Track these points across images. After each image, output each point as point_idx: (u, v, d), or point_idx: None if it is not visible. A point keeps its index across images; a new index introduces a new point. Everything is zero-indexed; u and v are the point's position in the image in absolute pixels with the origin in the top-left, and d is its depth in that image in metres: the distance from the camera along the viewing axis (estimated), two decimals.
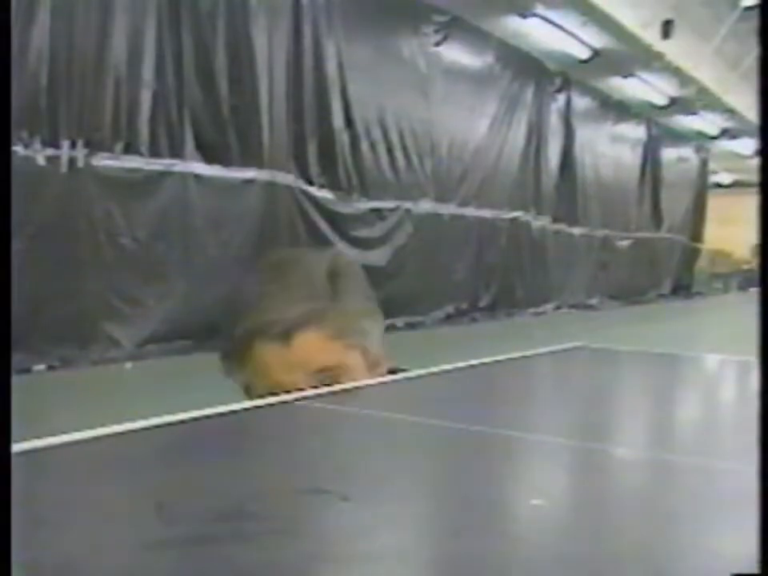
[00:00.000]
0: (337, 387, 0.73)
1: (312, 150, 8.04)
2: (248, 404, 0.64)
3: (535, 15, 10.06)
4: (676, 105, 14.66)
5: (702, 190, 19.83)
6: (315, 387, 0.77)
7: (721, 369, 1.25)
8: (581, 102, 13.67)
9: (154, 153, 6.51)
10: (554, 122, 12.92)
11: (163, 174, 6.58)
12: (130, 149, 6.29)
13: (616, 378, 1.09)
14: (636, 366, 1.20)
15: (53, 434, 0.53)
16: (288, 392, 0.75)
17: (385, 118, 8.91)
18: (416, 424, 0.64)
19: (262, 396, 0.79)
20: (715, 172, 21.95)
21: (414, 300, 9.16)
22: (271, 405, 0.65)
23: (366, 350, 0.97)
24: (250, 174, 7.32)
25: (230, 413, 0.64)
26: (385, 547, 0.38)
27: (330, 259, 1.01)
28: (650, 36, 11.20)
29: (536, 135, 12.34)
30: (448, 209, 10.12)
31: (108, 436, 0.54)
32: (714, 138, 17.96)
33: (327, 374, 0.91)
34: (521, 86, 11.72)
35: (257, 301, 0.95)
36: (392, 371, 0.99)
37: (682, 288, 18.98)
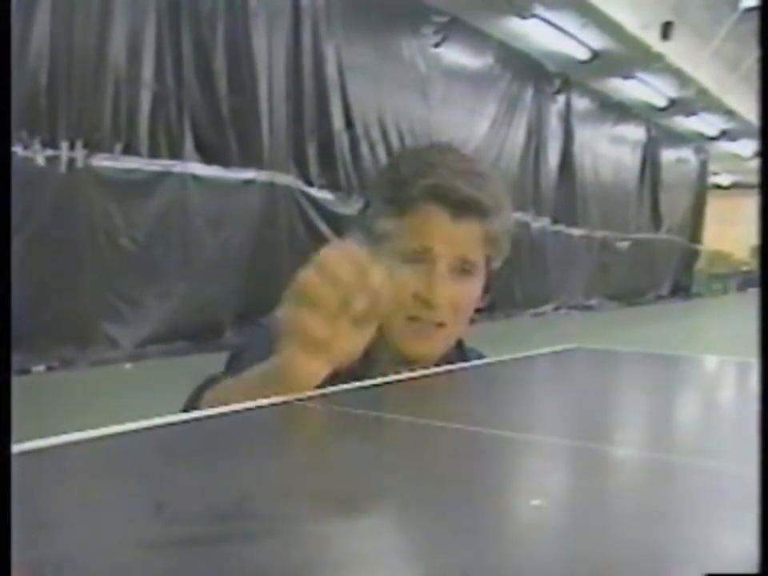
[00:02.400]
0: (333, 388, 0.73)
1: (311, 150, 8.04)
2: (249, 404, 0.64)
3: (535, 16, 10.07)
4: (676, 106, 14.67)
5: (701, 191, 19.84)
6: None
7: (719, 370, 1.25)
8: (580, 103, 13.67)
9: (154, 153, 6.51)
10: (554, 123, 12.93)
11: (163, 175, 6.59)
12: (129, 149, 6.30)
13: (613, 378, 1.09)
14: (633, 367, 1.20)
15: (53, 435, 0.53)
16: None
17: (384, 119, 8.91)
18: (411, 424, 0.64)
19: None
20: (715, 173, 21.96)
21: None
22: (274, 404, 0.65)
23: None
24: (249, 174, 7.32)
25: (231, 413, 0.64)
26: (381, 549, 0.38)
27: None
28: (650, 37, 11.21)
29: (535, 136, 12.35)
30: None
31: (107, 436, 0.54)
32: (713, 139, 17.97)
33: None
34: (520, 87, 11.73)
35: None
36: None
37: (681, 289, 18.98)
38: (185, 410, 0.94)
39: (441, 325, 1.05)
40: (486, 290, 1.13)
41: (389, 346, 1.05)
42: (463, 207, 1.03)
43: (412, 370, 1.04)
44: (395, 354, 1.06)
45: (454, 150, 1.11)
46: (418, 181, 1.03)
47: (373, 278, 0.69)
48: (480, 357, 1.21)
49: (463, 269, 1.05)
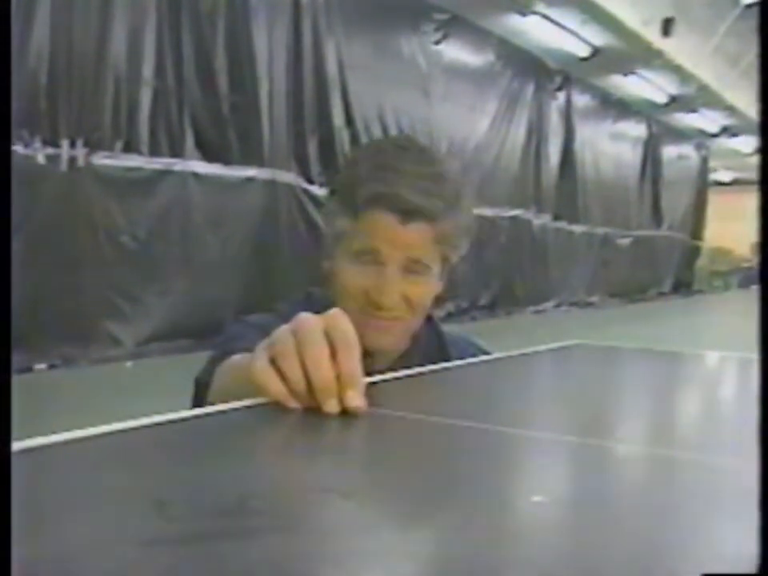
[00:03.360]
0: None
1: (312, 148, 8.04)
2: (249, 402, 0.65)
3: (535, 13, 10.06)
4: (676, 102, 14.66)
5: (702, 187, 19.83)
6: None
7: (720, 366, 1.25)
8: (581, 100, 13.67)
9: (154, 151, 6.51)
10: (555, 120, 12.92)
11: (163, 173, 6.59)
12: (130, 147, 6.30)
13: (614, 375, 1.09)
14: (634, 363, 1.20)
15: (55, 434, 0.53)
16: None
17: (385, 116, 8.91)
18: (414, 421, 0.64)
19: None
20: (715, 170, 21.95)
21: None
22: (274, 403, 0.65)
23: None
24: (250, 172, 7.32)
25: (230, 410, 0.64)
26: (383, 544, 0.38)
27: None
28: (651, 34, 11.20)
29: (536, 133, 12.34)
30: None
31: (108, 434, 0.54)
32: (714, 135, 17.96)
33: None
34: (521, 84, 11.72)
35: None
36: None
37: (683, 286, 18.98)
38: (198, 384, 0.95)
39: (397, 319, 1.09)
40: (448, 280, 1.16)
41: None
42: (410, 213, 1.05)
43: (375, 362, 1.08)
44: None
45: (415, 147, 1.11)
46: (368, 185, 1.05)
47: (346, 358, 0.63)
48: (483, 352, 1.21)
49: (414, 270, 1.08)
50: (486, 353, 1.22)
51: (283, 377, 0.64)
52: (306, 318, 0.66)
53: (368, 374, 1.00)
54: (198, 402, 0.92)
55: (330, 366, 0.62)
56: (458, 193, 1.10)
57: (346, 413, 0.61)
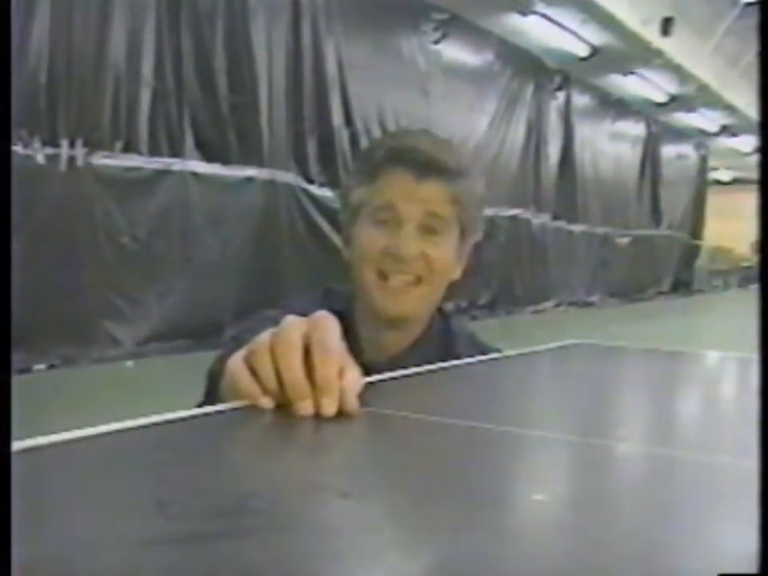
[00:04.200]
0: None
1: (312, 148, 8.04)
2: (249, 402, 0.64)
3: (535, 13, 10.06)
4: (676, 102, 14.65)
5: (701, 187, 19.83)
6: None
7: (719, 365, 1.25)
8: (580, 100, 13.66)
9: (154, 151, 6.51)
10: (554, 119, 12.92)
11: (163, 173, 6.58)
12: (129, 147, 6.29)
13: (614, 374, 1.09)
14: (634, 363, 1.20)
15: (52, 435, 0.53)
16: None
17: (384, 116, 8.90)
18: (413, 420, 0.64)
19: None
20: (715, 169, 21.95)
21: None
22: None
23: None
24: (249, 172, 7.32)
25: (230, 410, 0.64)
26: (383, 543, 0.38)
27: None
28: (650, 33, 11.20)
29: (535, 133, 12.34)
30: None
31: (107, 434, 0.54)
32: (713, 135, 17.96)
33: None
34: (520, 84, 11.72)
35: None
36: None
37: (682, 285, 18.98)
38: (209, 379, 0.95)
39: (417, 281, 1.10)
40: (468, 263, 1.18)
41: (369, 309, 1.11)
42: (426, 167, 1.08)
43: (394, 332, 1.12)
44: (375, 316, 1.12)
45: (429, 133, 1.17)
46: (384, 144, 1.11)
47: (321, 363, 0.62)
48: (485, 351, 1.21)
49: (431, 227, 1.10)
50: (489, 350, 1.22)
51: (255, 374, 0.64)
52: (290, 319, 0.66)
53: (379, 363, 1.00)
54: (209, 396, 0.92)
55: (301, 367, 0.61)
56: (470, 162, 1.16)
57: (342, 413, 0.61)
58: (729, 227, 22.94)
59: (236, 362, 0.66)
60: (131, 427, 0.56)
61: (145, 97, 6.45)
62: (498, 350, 1.22)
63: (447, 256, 1.12)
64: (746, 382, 1.01)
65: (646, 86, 13.64)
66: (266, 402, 0.63)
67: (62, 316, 5.76)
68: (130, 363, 5.99)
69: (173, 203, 6.66)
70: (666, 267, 18.17)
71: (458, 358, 1.09)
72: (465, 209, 1.13)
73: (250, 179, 7.32)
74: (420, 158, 1.07)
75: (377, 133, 8.63)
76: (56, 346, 5.73)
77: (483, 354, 1.17)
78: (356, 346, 1.11)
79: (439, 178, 1.08)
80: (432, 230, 1.10)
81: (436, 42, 9.82)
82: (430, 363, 0.96)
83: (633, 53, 11.71)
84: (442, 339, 1.19)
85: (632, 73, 12.96)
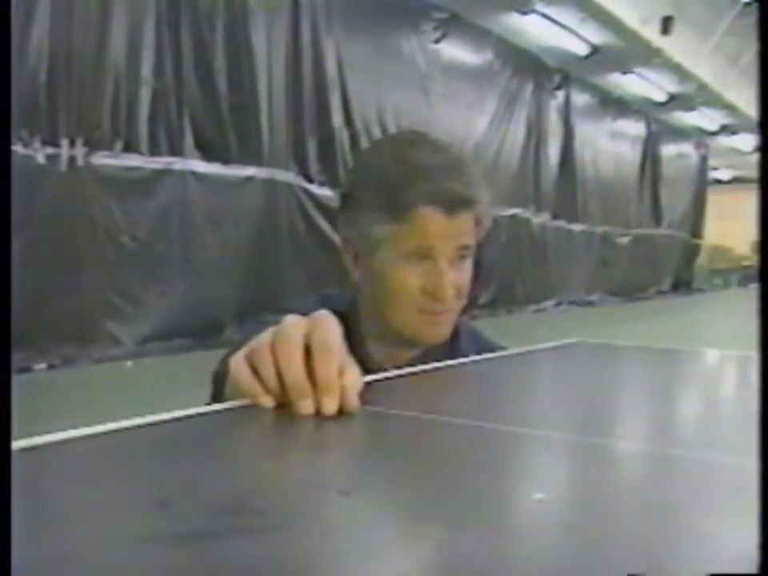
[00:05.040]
0: None
1: (312, 147, 8.04)
2: (249, 401, 0.64)
3: (534, 12, 10.07)
4: (675, 101, 14.66)
5: (701, 186, 19.84)
6: None
7: (719, 364, 1.25)
8: (580, 99, 13.67)
9: (154, 151, 6.51)
10: (554, 118, 12.92)
11: (163, 172, 6.59)
12: (129, 147, 6.30)
13: (614, 373, 1.09)
14: (634, 362, 1.20)
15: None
16: None
17: (384, 116, 8.91)
18: (413, 419, 0.64)
19: None
20: (715, 168, 21.95)
21: None
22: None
23: None
24: (249, 171, 7.32)
25: (230, 409, 0.64)
26: (383, 542, 0.38)
27: None
28: (650, 32, 11.20)
29: (535, 132, 12.34)
30: None
31: (107, 433, 0.54)
32: (713, 133, 17.96)
33: None
34: (520, 83, 11.72)
35: None
36: None
37: (682, 284, 18.99)
38: (215, 378, 0.95)
39: (448, 310, 1.12)
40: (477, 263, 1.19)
41: (396, 332, 1.12)
42: (458, 204, 1.08)
43: (411, 348, 1.14)
44: (405, 339, 1.13)
45: (425, 140, 1.13)
46: (416, 185, 1.06)
47: (321, 362, 0.62)
48: (490, 349, 1.21)
49: (461, 256, 1.11)
50: (491, 346, 1.22)
51: (257, 373, 0.64)
52: (291, 319, 0.66)
53: (396, 366, 1.00)
54: (215, 399, 0.92)
55: (302, 366, 0.62)
56: (478, 174, 1.14)
57: (343, 412, 0.61)
58: (729, 226, 22.95)
59: (237, 361, 0.66)
60: (132, 426, 0.56)
61: (145, 96, 6.45)
62: (503, 347, 1.23)
63: (469, 276, 1.15)
64: (746, 381, 1.01)
65: (645, 84, 13.65)
66: (267, 401, 0.63)
67: (62, 316, 5.77)
68: (130, 363, 5.99)
69: (173, 203, 6.66)
70: (666, 266, 18.17)
71: (461, 354, 1.09)
72: (482, 224, 1.14)
73: (249, 179, 7.33)
74: (454, 198, 1.07)
75: (376, 132, 8.63)
76: (56, 346, 5.73)
77: (486, 349, 1.18)
78: (364, 353, 1.13)
79: (467, 209, 1.09)
80: (461, 258, 1.11)
81: (436, 42, 9.83)
82: (436, 361, 0.97)
83: (632, 52, 11.72)
84: (449, 341, 1.19)
85: (632, 72, 12.96)
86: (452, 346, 1.17)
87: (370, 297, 1.14)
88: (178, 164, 6.69)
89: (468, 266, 1.14)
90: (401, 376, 0.85)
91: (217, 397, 0.95)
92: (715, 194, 21.38)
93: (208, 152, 6.95)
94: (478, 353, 1.12)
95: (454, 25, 10.02)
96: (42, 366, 5.58)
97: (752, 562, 0.33)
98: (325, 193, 8.06)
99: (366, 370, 0.67)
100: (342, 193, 1.20)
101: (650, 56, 11.85)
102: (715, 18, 12.85)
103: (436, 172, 1.07)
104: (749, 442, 0.40)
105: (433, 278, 1.08)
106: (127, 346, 6.22)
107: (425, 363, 0.95)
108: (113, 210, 6.20)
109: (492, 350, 1.19)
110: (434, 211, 1.06)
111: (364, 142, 8.53)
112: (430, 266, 1.08)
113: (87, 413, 3.43)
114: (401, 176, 1.06)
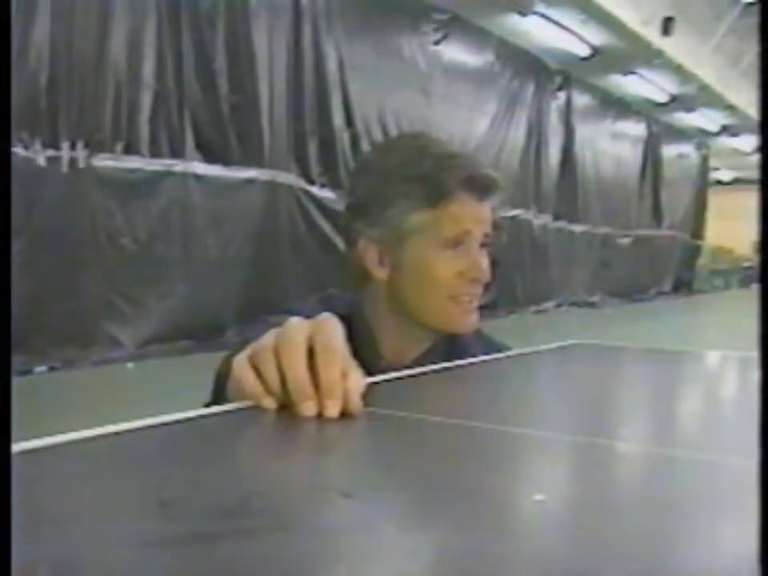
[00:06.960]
0: None
1: (313, 149, 8.04)
2: (250, 403, 0.65)
3: (535, 13, 10.06)
4: (676, 102, 14.65)
5: (702, 187, 19.83)
6: None
7: (719, 365, 1.25)
8: (581, 100, 13.66)
9: (155, 153, 6.51)
10: (555, 119, 12.92)
11: (164, 174, 6.59)
12: (130, 149, 6.30)
13: (615, 374, 1.09)
14: (634, 363, 1.20)
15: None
16: None
17: (385, 117, 8.91)
18: (414, 420, 0.64)
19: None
20: (716, 169, 21.94)
21: None
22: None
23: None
24: (250, 173, 7.32)
25: (230, 411, 0.64)
26: (384, 543, 0.38)
27: None
28: (651, 33, 11.20)
29: (536, 133, 12.34)
30: None
31: (108, 435, 0.54)
32: (714, 134, 17.95)
33: None
34: (521, 84, 11.72)
35: None
36: None
37: (683, 285, 18.98)
38: (217, 380, 0.95)
39: (476, 296, 1.16)
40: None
41: (422, 323, 1.14)
42: (488, 190, 1.13)
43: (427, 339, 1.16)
44: (432, 328, 1.15)
45: (434, 138, 1.19)
46: (453, 172, 1.11)
47: (324, 365, 0.62)
48: (495, 349, 1.22)
49: (485, 243, 1.15)
50: (495, 345, 1.23)
51: (260, 375, 0.64)
52: (293, 321, 0.66)
53: (396, 368, 1.00)
54: (217, 398, 0.92)
55: (305, 368, 0.62)
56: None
57: (345, 415, 0.61)
58: (730, 227, 22.93)
59: (240, 362, 0.66)
60: (134, 428, 0.56)
61: (146, 98, 6.45)
62: (508, 347, 1.24)
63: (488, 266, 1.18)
64: (746, 381, 1.01)
65: (646, 85, 13.64)
66: (270, 403, 0.63)
67: (62, 318, 5.77)
68: (130, 365, 5.99)
69: (174, 204, 6.66)
70: (667, 267, 18.17)
71: (466, 353, 1.10)
72: (496, 214, 1.19)
73: (250, 180, 7.32)
74: (486, 183, 1.13)
75: (377, 133, 8.63)
76: (57, 348, 5.73)
77: (490, 348, 1.18)
78: (374, 353, 1.14)
79: (492, 195, 1.14)
80: (484, 244, 1.15)
81: (436, 43, 9.83)
82: (443, 362, 0.98)
83: (633, 53, 11.71)
84: (452, 337, 1.20)
85: (632, 73, 12.95)
86: (457, 345, 1.17)
87: (395, 290, 1.15)
88: (179, 166, 6.69)
89: (486, 255, 1.17)
90: (402, 378, 0.85)
91: (218, 396, 0.95)
92: (716, 195, 21.37)
93: (209, 154, 6.95)
94: (485, 352, 1.13)
95: (454, 26, 10.02)
96: (43, 368, 5.58)
97: (752, 562, 0.33)
98: (326, 194, 8.05)
99: (376, 370, 0.67)
100: (359, 194, 1.18)
101: (650, 57, 11.84)
102: (716, 19, 12.85)
103: (467, 160, 1.13)
104: (749, 442, 0.40)
105: (469, 262, 1.12)
106: (128, 348, 6.22)
107: (431, 360, 0.95)
108: (114, 212, 6.20)
109: (499, 350, 1.20)
110: (469, 196, 1.11)
111: (365, 144, 8.53)
112: (464, 251, 1.12)
113: (88, 415, 3.43)
114: (435, 165, 1.11)
